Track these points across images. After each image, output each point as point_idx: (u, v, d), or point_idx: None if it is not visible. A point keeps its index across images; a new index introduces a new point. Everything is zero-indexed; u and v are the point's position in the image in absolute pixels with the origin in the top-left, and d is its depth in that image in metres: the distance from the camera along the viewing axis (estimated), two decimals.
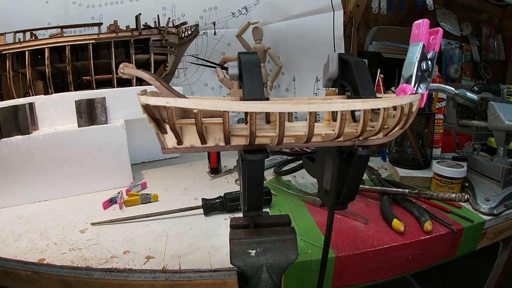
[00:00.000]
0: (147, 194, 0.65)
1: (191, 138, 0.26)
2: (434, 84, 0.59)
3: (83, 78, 0.77)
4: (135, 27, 0.77)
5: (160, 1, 1.03)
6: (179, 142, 0.26)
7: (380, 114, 0.26)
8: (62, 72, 0.75)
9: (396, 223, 0.50)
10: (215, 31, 1.04)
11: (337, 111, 0.25)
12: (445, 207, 0.56)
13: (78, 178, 0.68)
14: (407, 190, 0.57)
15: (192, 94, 1.09)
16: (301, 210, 0.60)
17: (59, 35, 0.73)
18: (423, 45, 0.28)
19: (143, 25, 0.77)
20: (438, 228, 0.51)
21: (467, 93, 0.59)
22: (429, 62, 0.29)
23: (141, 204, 0.64)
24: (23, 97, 0.76)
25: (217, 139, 0.26)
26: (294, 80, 1.03)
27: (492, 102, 0.58)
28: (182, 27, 0.85)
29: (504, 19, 1.38)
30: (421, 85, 0.29)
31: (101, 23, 0.76)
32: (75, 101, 0.65)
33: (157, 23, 0.81)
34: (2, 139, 0.60)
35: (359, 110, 0.25)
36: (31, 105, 0.65)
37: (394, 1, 1.06)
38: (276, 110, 0.23)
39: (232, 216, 0.49)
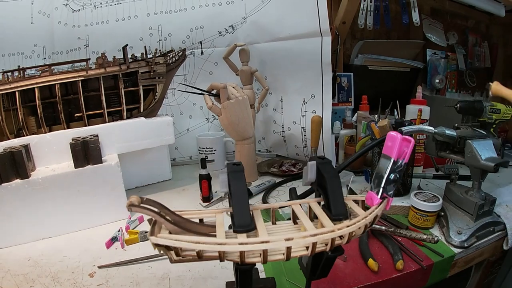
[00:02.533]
0: (145, 232, 0.70)
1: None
2: (414, 126, 0.64)
3: (75, 115, 0.79)
4: (122, 58, 0.79)
5: (146, 20, 1.03)
6: (183, 257, 0.30)
7: (346, 237, 0.30)
8: (53, 103, 0.77)
9: (371, 263, 0.57)
10: (202, 51, 1.06)
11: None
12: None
13: (78, 215, 0.72)
14: (383, 228, 0.64)
15: (181, 114, 1.11)
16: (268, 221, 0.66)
17: (47, 72, 0.74)
18: (394, 161, 0.32)
19: (130, 58, 0.79)
20: (410, 264, 0.57)
21: (446, 131, 0.63)
22: (397, 174, 0.33)
23: (141, 241, 0.69)
24: (16, 133, 0.78)
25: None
26: (282, 101, 1.06)
27: (469, 141, 0.62)
28: (169, 54, 0.87)
29: (491, 26, 1.41)
30: (388, 191, 0.33)
31: (89, 59, 0.77)
32: (70, 144, 0.69)
33: (144, 54, 0.82)
34: (2, 184, 0.64)
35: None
36: (26, 147, 0.68)
37: (380, 17, 1.08)
38: (260, 248, 0.28)
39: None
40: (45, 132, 0.75)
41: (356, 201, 0.35)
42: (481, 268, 0.73)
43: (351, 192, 0.86)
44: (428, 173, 0.88)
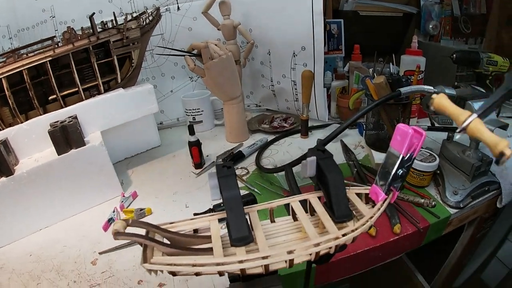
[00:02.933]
0: (141, 210, 0.69)
1: None
2: (413, 87, 0.60)
3: (49, 98, 0.72)
4: (90, 30, 0.70)
5: None
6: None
7: (350, 240, 0.29)
8: (25, 87, 0.70)
9: None
10: (178, 6, 0.95)
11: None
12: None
13: (70, 200, 0.70)
14: None
15: (162, 76, 1.04)
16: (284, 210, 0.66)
17: (12, 58, 0.66)
18: (403, 157, 0.29)
19: (99, 26, 0.70)
20: (407, 227, 0.58)
21: (446, 90, 0.60)
22: (405, 170, 0.30)
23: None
24: None
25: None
26: (269, 54, 0.98)
27: (469, 102, 0.59)
28: (141, 17, 0.77)
29: None
30: (393, 186, 0.31)
31: (54, 36, 0.68)
32: (49, 132, 0.64)
33: (114, 21, 0.73)
34: None
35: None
36: (5, 143, 0.63)
37: None
38: (261, 264, 0.26)
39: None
40: (21, 122, 0.69)
41: (358, 194, 0.33)
42: (474, 224, 0.75)
43: (344, 146, 0.84)
44: (423, 125, 0.86)
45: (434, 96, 0.26)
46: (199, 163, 0.83)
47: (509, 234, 1.15)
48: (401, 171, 0.29)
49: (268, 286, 0.39)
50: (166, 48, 0.93)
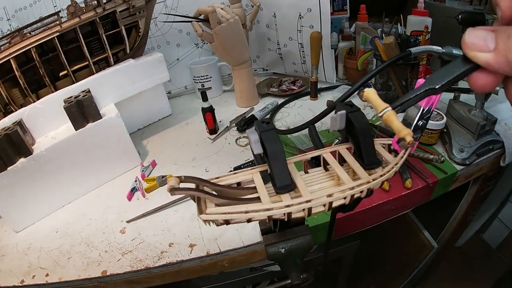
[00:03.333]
0: (162, 177, 0.71)
1: None
2: (422, 47, 0.60)
3: (60, 74, 0.72)
4: (95, 2, 0.68)
5: None
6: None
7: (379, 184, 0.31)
8: (33, 66, 0.70)
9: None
10: None
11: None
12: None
13: (91, 174, 0.72)
14: None
15: (168, 44, 1.03)
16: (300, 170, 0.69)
17: (18, 37, 0.65)
18: (423, 109, 0.31)
19: None
20: (417, 182, 0.61)
21: (453, 50, 0.60)
22: (425, 121, 0.32)
23: (160, 187, 0.71)
24: (4, 110, 0.71)
25: None
26: (275, 17, 0.97)
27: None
28: None
29: None
30: (413, 137, 0.33)
31: (59, 11, 0.66)
32: (64, 108, 0.64)
33: None
34: (9, 169, 0.61)
35: None
36: (20, 124, 0.63)
37: None
38: (305, 207, 0.29)
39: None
40: (33, 101, 0.69)
41: (383, 145, 0.36)
42: (479, 182, 0.78)
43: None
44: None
45: (365, 89, 0.29)
46: (213, 128, 0.85)
47: (511, 196, 1.19)
48: (421, 122, 0.32)
49: (298, 236, 0.42)
50: (170, 15, 0.91)
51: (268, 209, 0.28)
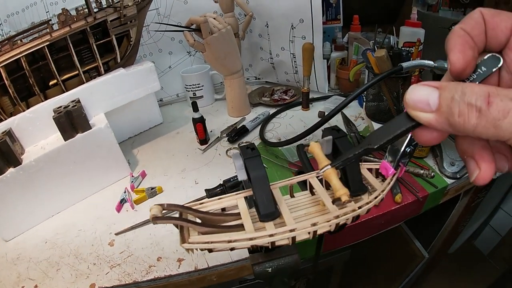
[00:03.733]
0: (152, 188, 0.71)
1: None
2: (414, 62, 0.61)
3: (49, 83, 0.71)
4: (86, 10, 0.68)
5: None
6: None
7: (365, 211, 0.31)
8: (23, 74, 0.69)
9: None
10: None
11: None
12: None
13: (80, 184, 0.71)
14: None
15: (160, 52, 1.02)
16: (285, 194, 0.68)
17: (7, 45, 0.64)
18: (411, 136, 0.31)
19: (95, 6, 0.68)
20: (407, 196, 0.61)
21: (445, 64, 0.61)
22: (412, 147, 0.32)
23: (149, 199, 0.70)
24: None
25: None
26: (267, 27, 0.97)
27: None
28: None
29: None
30: (401, 162, 0.33)
31: (50, 20, 0.66)
32: (54, 118, 0.63)
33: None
34: None
35: None
36: (9, 133, 0.63)
37: None
38: (289, 236, 0.29)
39: None
40: (23, 110, 0.68)
41: (369, 169, 0.36)
42: (469, 194, 0.79)
43: (345, 118, 0.86)
44: None
45: (311, 143, 0.31)
46: (204, 139, 0.85)
47: (502, 203, 1.20)
48: (409, 149, 0.32)
49: (286, 255, 0.42)
50: (163, 24, 0.90)
51: (251, 239, 0.28)
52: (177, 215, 0.30)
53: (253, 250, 0.44)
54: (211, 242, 0.28)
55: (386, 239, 1.06)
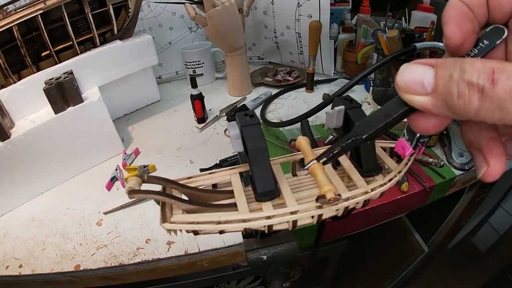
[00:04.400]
0: (144, 167, 0.67)
1: None
2: (427, 42, 0.57)
3: (42, 55, 0.67)
4: None
5: None
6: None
7: (378, 194, 0.28)
8: (16, 45, 0.65)
9: None
10: None
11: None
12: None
13: (71, 161, 0.68)
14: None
15: (160, 27, 0.97)
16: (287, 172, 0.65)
17: (0, 14, 0.60)
18: None
19: None
20: (413, 185, 0.57)
21: None
22: None
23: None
24: None
25: None
26: (273, 4, 0.92)
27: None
28: None
29: None
30: (420, 141, 0.30)
31: None
32: (44, 90, 0.60)
33: None
34: None
35: None
36: None
37: None
38: (290, 219, 0.25)
39: None
40: (14, 82, 0.64)
41: (383, 148, 0.32)
42: (475, 188, 0.75)
43: None
44: None
45: (298, 137, 0.28)
46: (202, 117, 0.81)
47: (502, 201, 1.17)
48: None
49: (284, 242, 0.39)
50: None
51: (244, 220, 0.25)
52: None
53: (247, 234, 0.40)
54: (197, 223, 0.24)
55: (386, 231, 1.03)
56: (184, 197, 0.28)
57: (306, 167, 0.25)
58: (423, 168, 0.61)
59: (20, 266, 0.51)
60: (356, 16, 0.99)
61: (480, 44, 0.18)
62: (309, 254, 0.75)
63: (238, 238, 0.52)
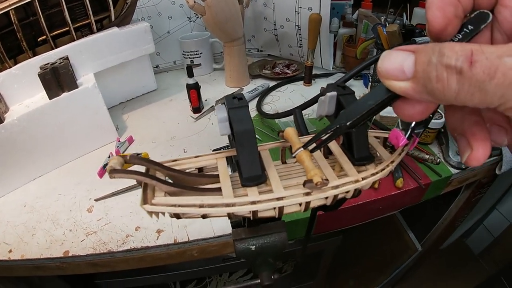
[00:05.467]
0: (137, 154, 0.66)
1: None
2: (428, 38, 0.56)
3: (38, 40, 0.66)
4: None
5: None
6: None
7: (369, 184, 0.27)
8: (13, 30, 0.64)
9: None
10: None
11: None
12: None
13: (64, 147, 0.67)
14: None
15: (159, 16, 0.96)
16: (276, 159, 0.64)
17: None
18: None
19: None
20: (409, 182, 0.57)
21: None
22: (430, 115, 0.28)
23: (133, 166, 0.66)
24: None
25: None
26: None
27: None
28: None
29: None
30: (415, 132, 0.29)
31: None
32: (39, 74, 0.59)
33: None
34: None
35: None
36: None
37: None
38: (275, 205, 0.24)
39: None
40: (10, 67, 0.64)
41: (377, 138, 0.31)
42: (471, 187, 0.75)
43: None
44: None
45: (286, 128, 0.28)
46: (197, 107, 0.80)
47: (498, 204, 1.17)
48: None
49: (273, 233, 0.38)
50: None
51: (228, 205, 0.24)
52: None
53: (236, 224, 0.40)
54: (179, 206, 0.23)
55: (379, 228, 1.03)
56: (169, 180, 0.27)
57: (293, 155, 0.25)
58: (419, 165, 0.60)
59: (10, 251, 0.51)
60: (357, 11, 0.98)
61: (465, 29, 0.18)
62: (301, 248, 0.75)
63: (227, 228, 0.52)
